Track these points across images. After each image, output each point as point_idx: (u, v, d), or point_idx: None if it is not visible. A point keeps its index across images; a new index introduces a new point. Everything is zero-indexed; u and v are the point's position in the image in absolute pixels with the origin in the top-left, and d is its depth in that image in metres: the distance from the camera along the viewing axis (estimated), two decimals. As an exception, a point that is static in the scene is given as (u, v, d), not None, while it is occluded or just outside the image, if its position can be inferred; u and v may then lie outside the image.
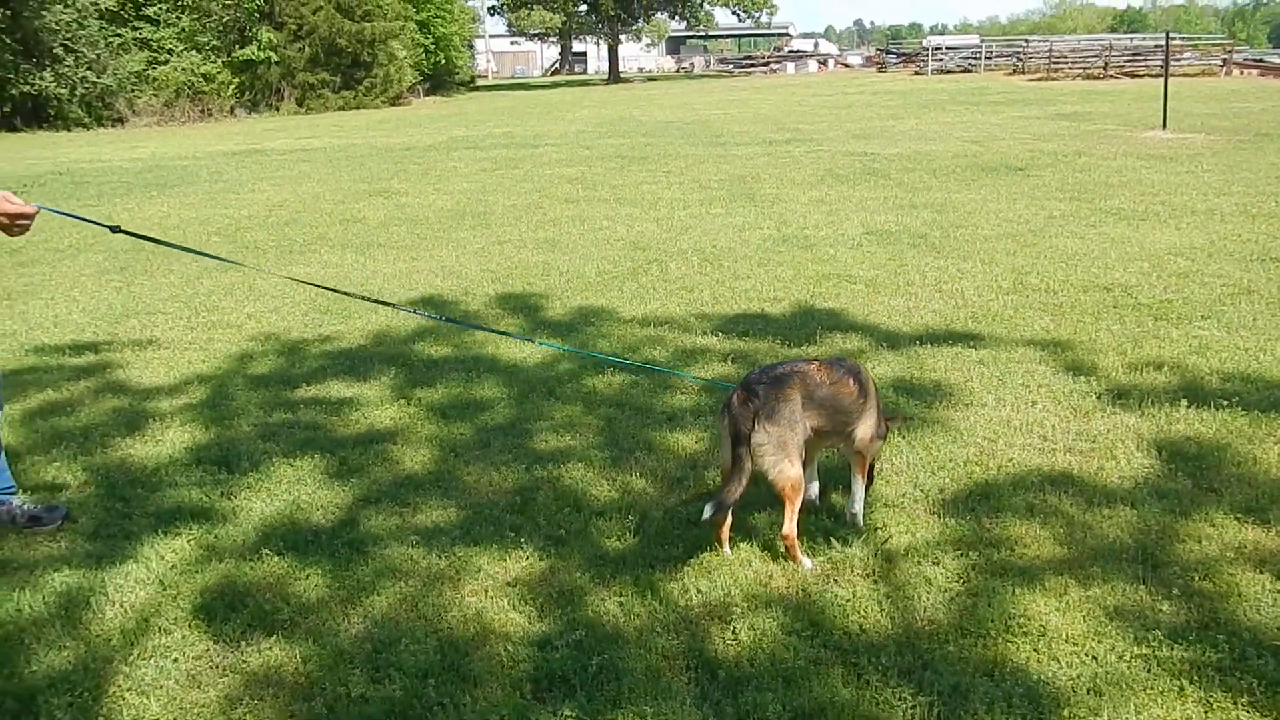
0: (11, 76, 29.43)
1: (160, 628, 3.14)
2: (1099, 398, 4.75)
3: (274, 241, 10.09)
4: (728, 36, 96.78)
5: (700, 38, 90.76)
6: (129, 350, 6.29)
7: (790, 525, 3.26)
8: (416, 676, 2.83)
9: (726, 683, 2.76)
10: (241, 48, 37.22)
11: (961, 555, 3.34)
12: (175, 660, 2.97)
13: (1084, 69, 40.23)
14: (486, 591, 3.25)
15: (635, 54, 79.36)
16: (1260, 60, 43.38)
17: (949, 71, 46.67)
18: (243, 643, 3.04)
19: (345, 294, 6.39)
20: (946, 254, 8.08)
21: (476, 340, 6.10)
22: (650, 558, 3.40)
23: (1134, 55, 41.25)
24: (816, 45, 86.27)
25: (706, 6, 66.07)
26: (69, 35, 30.94)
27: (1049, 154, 14.61)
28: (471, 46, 64.34)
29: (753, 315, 6.49)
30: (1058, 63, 41.75)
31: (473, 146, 19.97)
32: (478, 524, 3.71)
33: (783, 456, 3.19)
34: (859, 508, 3.57)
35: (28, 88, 29.86)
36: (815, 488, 3.75)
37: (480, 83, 64.73)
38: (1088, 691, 2.67)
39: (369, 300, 6.01)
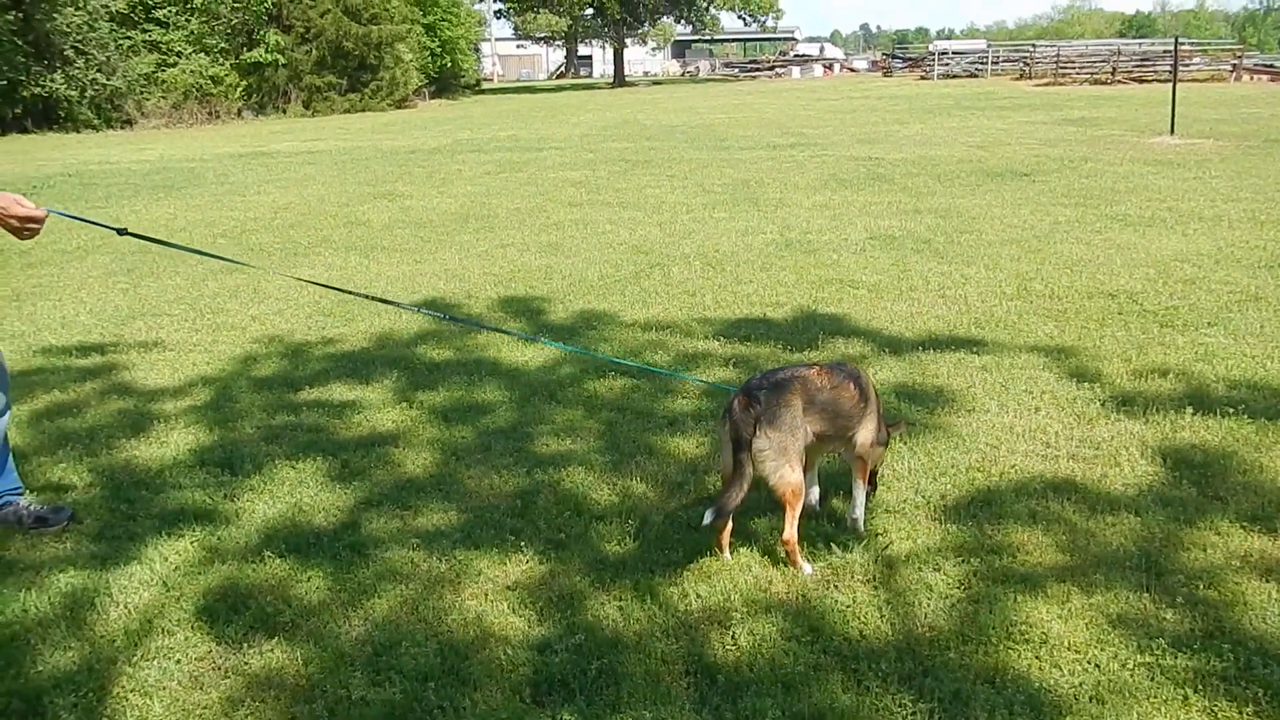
0: (23, 79, 29.56)
1: (163, 629, 3.14)
2: (1103, 404, 4.74)
3: (279, 244, 10.12)
4: (733, 40, 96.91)
5: (706, 42, 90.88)
6: (135, 352, 6.31)
7: (791, 530, 3.26)
8: (417, 679, 2.84)
9: (726, 688, 2.75)
10: (249, 50, 37.33)
11: (963, 562, 3.34)
12: (178, 661, 2.98)
13: (1091, 74, 40.19)
14: (487, 595, 3.26)
15: (641, 58, 79.52)
16: (1270, 66, 43.31)
17: (955, 76, 46.66)
18: (245, 644, 3.04)
19: (352, 294, 6.40)
20: (950, 259, 8.07)
21: (478, 343, 6.11)
22: (650, 562, 3.40)
23: (1142, 60, 41.21)
24: (822, 49, 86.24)
25: (712, 10, 66.17)
26: (80, 38, 31.07)
27: (1055, 159, 14.59)
28: (477, 50, 64.42)
29: (755, 320, 6.48)
30: (1065, 68, 41.72)
31: (477, 149, 20.00)
32: (478, 527, 3.71)
33: (784, 462, 3.19)
34: (860, 513, 3.57)
35: (39, 90, 29.98)
36: (816, 493, 3.74)
37: (486, 86, 64.82)
38: (1090, 700, 2.66)
39: (375, 300, 6.02)
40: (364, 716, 2.70)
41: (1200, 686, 2.68)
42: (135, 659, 2.99)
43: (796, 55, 76.70)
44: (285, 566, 3.48)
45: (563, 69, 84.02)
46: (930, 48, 56.16)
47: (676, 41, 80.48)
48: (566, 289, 7.60)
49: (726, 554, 3.40)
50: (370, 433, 4.76)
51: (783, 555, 3.34)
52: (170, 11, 36.08)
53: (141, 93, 33.92)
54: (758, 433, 3.18)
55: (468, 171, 16.05)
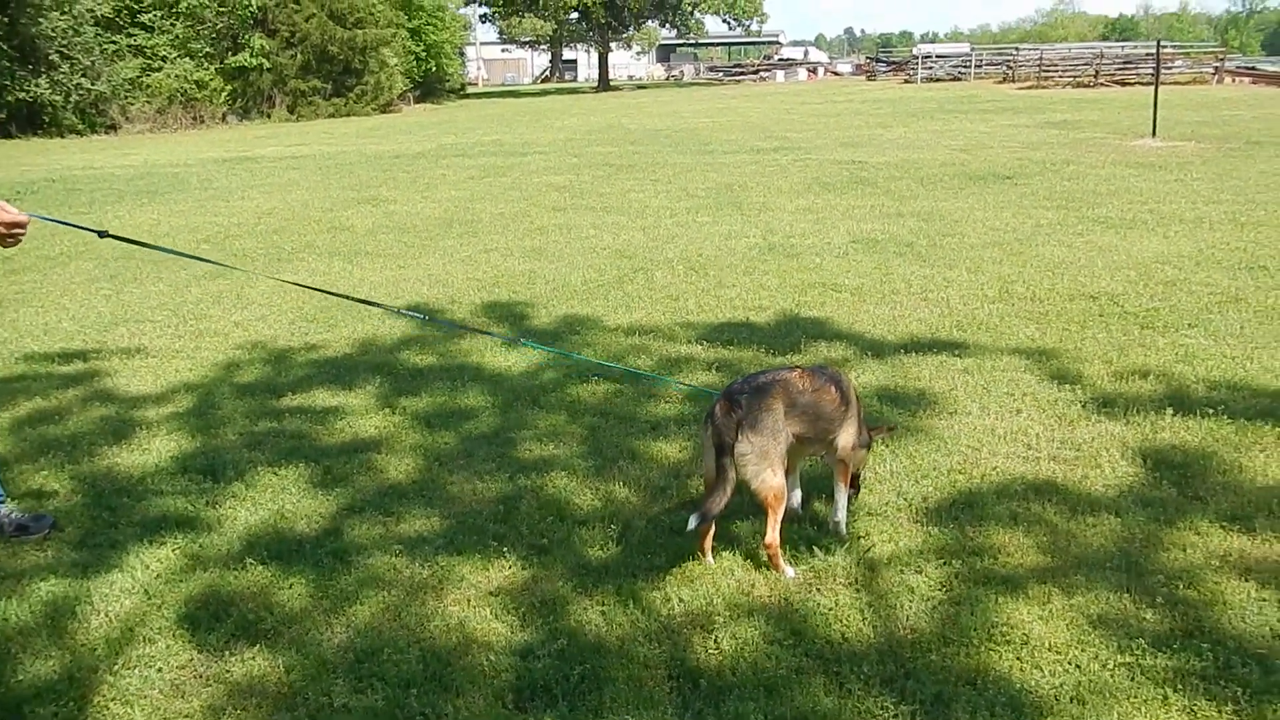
0: (7, 83, 29.35)
1: (145, 637, 3.13)
2: (1084, 406, 4.77)
3: (262, 249, 10.08)
4: (718, 44, 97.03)
5: (690, 46, 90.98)
6: (117, 358, 6.27)
7: (773, 534, 3.27)
8: (399, 686, 2.83)
9: (708, 692, 2.76)
10: (234, 54, 37.17)
11: (944, 564, 3.35)
12: (159, 670, 2.96)
13: (1074, 77, 40.43)
14: (469, 601, 3.25)
15: (625, 62, 79.59)
16: (1253, 68, 43.71)
17: (939, 80, 46.85)
18: (226, 652, 3.03)
19: (335, 295, 6.38)
20: (933, 262, 8.11)
21: (461, 349, 6.10)
22: (633, 567, 3.40)
23: (1125, 63, 41.46)
24: (806, 53, 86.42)
25: (697, 15, 66.25)
26: (64, 42, 30.85)
27: (1037, 162, 14.67)
28: (462, 54, 64.38)
29: (738, 324, 6.50)
30: (1048, 71, 41.95)
31: (461, 154, 19.98)
32: (461, 533, 3.71)
33: (765, 466, 3.20)
34: (842, 516, 3.58)
35: (23, 94, 29.76)
36: (798, 496, 3.75)
37: (471, 90, 64.74)
38: (1071, 700, 2.67)
39: (360, 301, 6.01)
40: (346, 724, 2.70)
41: (1180, 686, 2.70)
42: (116, 667, 2.98)
43: (781, 59, 76.86)
44: (267, 573, 3.47)
45: (547, 73, 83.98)
46: (914, 51, 56.39)
47: (661, 46, 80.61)
48: (550, 294, 7.60)
49: (709, 558, 3.41)
50: (353, 439, 4.75)
51: (765, 559, 3.35)
52: (155, 16, 35.88)
53: (126, 97, 33.71)
54: (740, 437, 3.19)
55: (452, 176, 16.03)
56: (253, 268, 9.03)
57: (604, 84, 63.53)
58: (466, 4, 61.37)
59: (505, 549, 3.56)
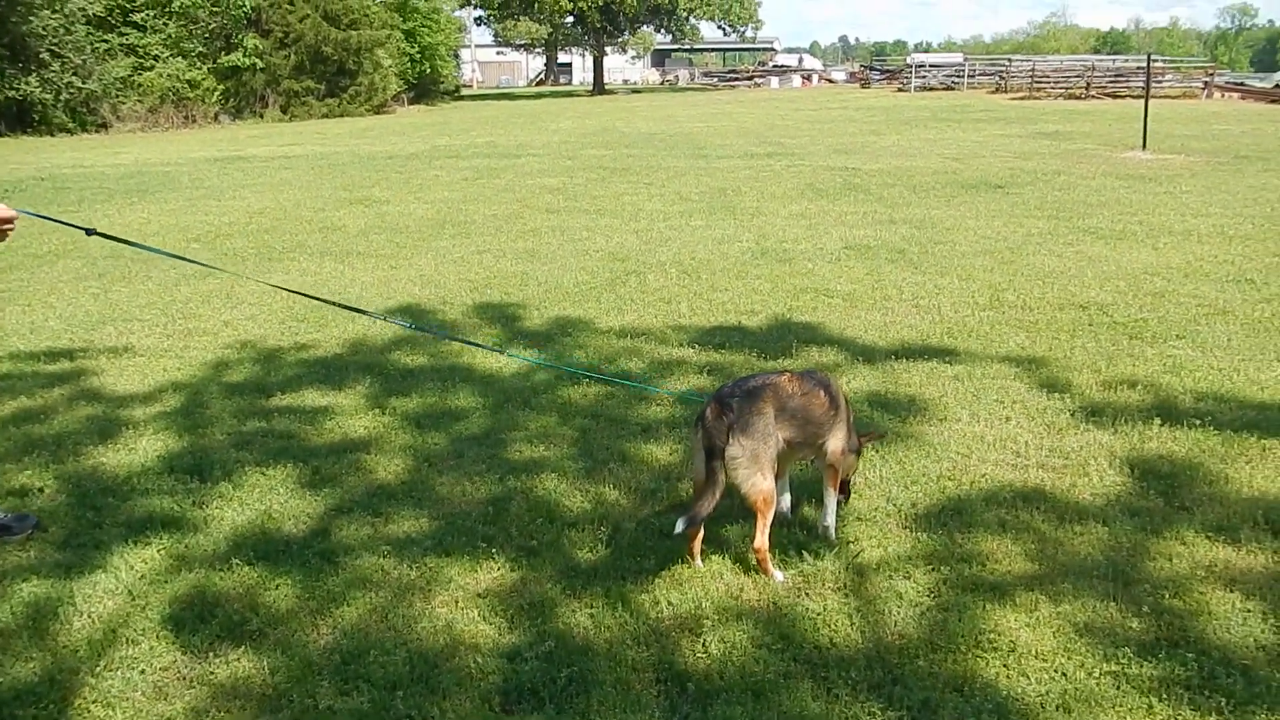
0: (-3, 81, 29.25)
1: (128, 639, 3.11)
2: (1072, 415, 4.78)
3: (253, 249, 10.05)
4: (713, 50, 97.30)
5: (685, 51, 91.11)
6: (104, 357, 6.24)
7: (762, 538, 3.27)
8: (385, 688, 2.82)
9: (696, 695, 2.75)
10: (227, 54, 37.05)
11: (933, 570, 3.35)
12: (142, 672, 2.94)
13: (1066, 89, 40.62)
14: (457, 602, 3.24)
15: (620, 66, 79.57)
16: (1241, 84, 43.99)
17: (932, 89, 47.02)
18: (211, 654, 3.01)
19: (320, 300, 6.36)
20: (924, 269, 8.13)
21: (453, 350, 6.09)
22: (622, 569, 3.40)
23: (1116, 76, 41.67)
24: (801, 60, 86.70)
25: (692, 20, 66.40)
26: (56, 40, 30.72)
27: (1029, 172, 14.73)
28: (457, 56, 64.31)
29: (730, 328, 6.50)
30: (1040, 82, 42.14)
31: (455, 155, 19.96)
32: (450, 534, 3.70)
33: (755, 470, 3.20)
34: (831, 521, 3.58)
35: (12, 93, 29.60)
36: (787, 500, 3.75)
37: (465, 92, 64.69)
38: (1057, 708, 2.68)
39: (344, 307, 5.98)
40: (331, 725, 2.68)
41: (1164, 695, 2.71)
42: (98, 669, 2.96)
43: (775, 65, 77.11)
44: (254, 574, 3.45)
45: (542, 76, 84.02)
46: (908, 60, 56.61)
47: (656, 50, 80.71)
48: (542, 296, 7.59)
49: (698, 561, 3.40)
50: (342, 439, 4.73)
51: (754, 563, 3.35)
52: (148, 15, 35.76)
53: (117, 96, 33.58)
54: (730, 440, 3.19)
55: (445, 177, 16.01)
56: (243, 268, 8.99)
57: (599, 88, 63.57)
58: (461, 6, 61.34)
59: (494, 551, 3.55)
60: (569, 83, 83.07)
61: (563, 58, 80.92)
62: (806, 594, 3.24)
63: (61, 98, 31.00)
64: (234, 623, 3.16)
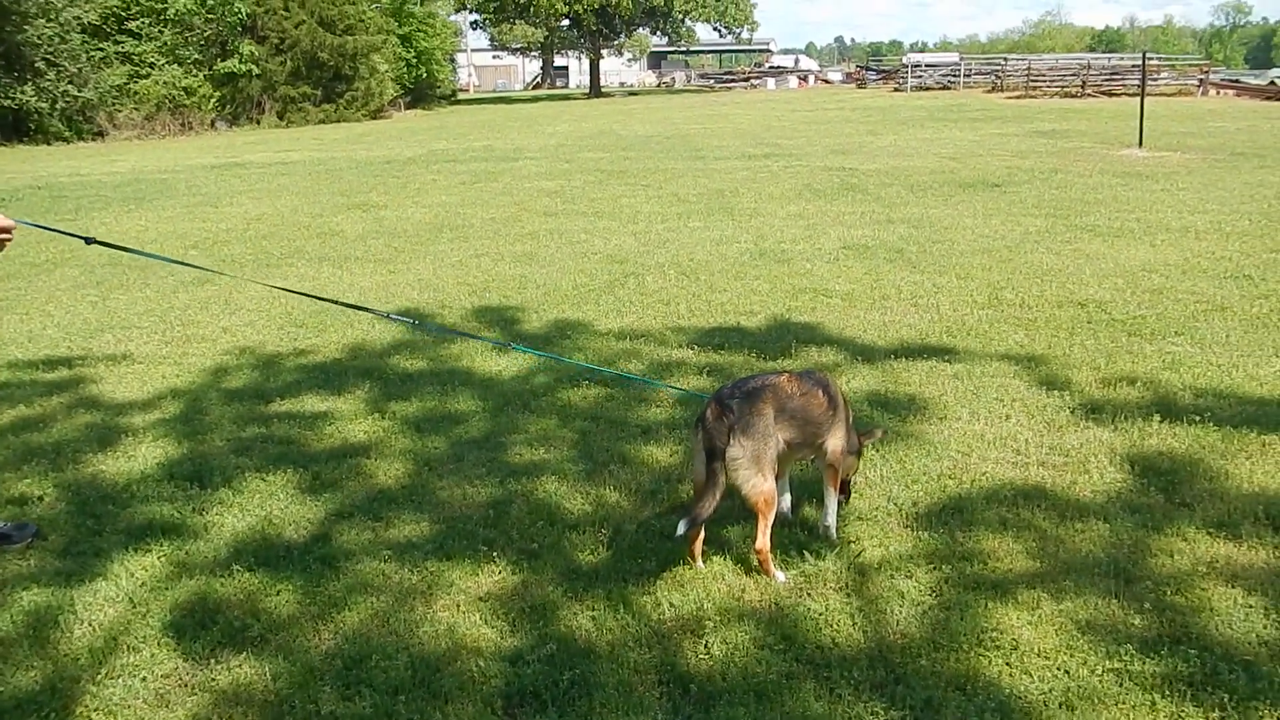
0: (-8, 90, 29.24)
1: (129, 646, 3.10)
2: (1072, 412, 4.78)
3: (251, 255, 10.05)
4: (709, 52, 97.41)
5: (681, 53, 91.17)
6: (103, 365, 6.24)
7: (763, 539, 3.27)
8: (387, 693, 2.81)
9: (698, 697, 2.75)
10: (223, 61, 37.05)
11: (934, 569, 3.35)
12: (143, 679, 2.94)
13: (1062, 87, 40.66)
14: (459, 606, 3.24)
15: (617, 68, 79.67)
16: (1236, 81, 44.03)
17: (928, 88, 47.05)
18: (212, 660, 3.01)
19: (324, 300, 6.37)
20: (923, 269, 8.13)
21: (452, 353, 6.08)
22: (623, 571, 3.39)
23: (1111, 75, 41.70)
24: (797, 61, 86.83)
25: (688, 22, 66.40)
26: (51, 50, 30.71)
27: (1026, 170, 14.74)
28: (453, 60, 64.35)
29: (729, 329, 6.50)
30: (1035, 81, 42.18)
31: (452, 160, 19.96)
32: (451, 538, 3.69)
33: (756, 471, 3.20)
34: (832, 521, 3.58)
35: (8, 101, 29.60)
36: (788, 501, 3.75)
37: (462, 96, 64.72)
38: (1059, 706, 2.68)
39: (349, 306, 5.99)
40: (333, 731, 2.68)
41: (1167, 692, 2.70)
42: (99, 677, 2.95)
43: (771, 67, 77.18)
44: (255, 580, 3.45)
45: (539, 79, 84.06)
46: (904, 60, 56.63)
47: (652, 53, 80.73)
48: (541, 298, 7.59)
49: (699, 563, 3.40)
50: (342, 444, 4.73)
51: (755, 563, 3.35)
52: (144, 23, 35.76)
53: (113, 104, 33.58)
54: (731, 441, 3.19)
55: (443, 182, 16.01)
56: (241, 273, 8.99)
57: (595, 90, 63.62)
58: (457, 11, 61.35)
59: (495, 554, 3.55)
60: (565, 86, 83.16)
61: (559, 61, 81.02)
62: (808, 594, 3.23)
63: (57, 106, 31.00)
64: (235, 629, 3.15)
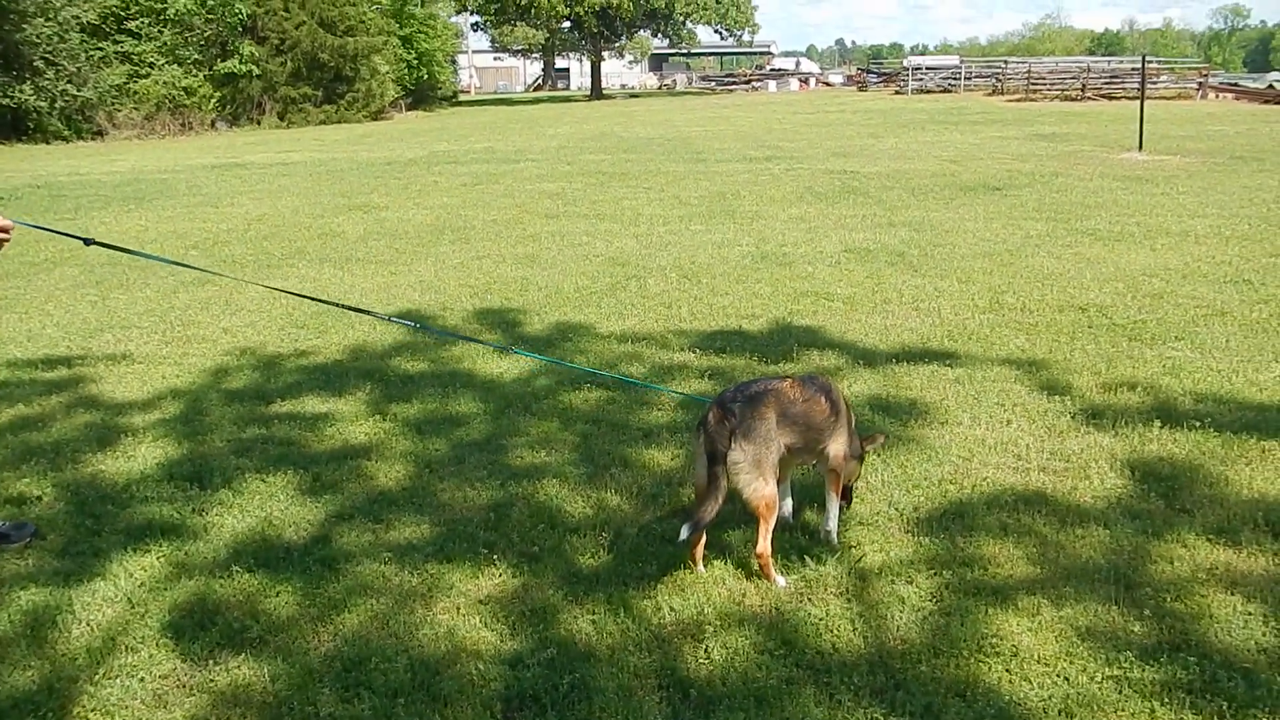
0: (-9, 89, 29.25)
1: (127, 646, 3.10)
2: (1073, 417, 4.78)
3: (252, 255, 10.05)
4: (710, 54, 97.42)
5: (683, 55, 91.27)
6: (102, 365, 6.23)
7: (764, 543, 3.26)
8: (386, 696, 2.81)
9: (698, 702, 2.75)
10: (223, 61, 37.08)
11: (935, 574, 3.35)
12: (142, 680, 2.93)
13: (1062, 90, 40.69)
14: (459, 609, 3.23)
15: (618, 71, 79.70)
16: (1235, 84, 44.13)
17: (929, 91, 47.08)
18: (211, 661, 3.00)
19: (325, 302, 6.37)
20: (924, 272, 8.13)
21: (453, 355, 6.08)
22: (624, 575, 3.39)
23: (1111, 78, 41.74)
24: (798, 64, 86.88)
25: (689, 25, 66.49)
26: (50, 49, 30.73)
27: (1026, 174, 14.75)
28: (454, 62, 64.39)
29: (730, 332, 6.50)
30: (1036, 84, 42.22)
31: (454, 161, 19.97)
32: (451, 540, 3.69)
33: (757, 475, 3.20)
34: (833, 525, 3.58)
35: (7, 101, 29.62)
36: (789, 505, 3.75)
37: (463, 98, 64.76)
38: (1059, 713, 2.67)
39: (350, 309, 5.99)
40: (332, 734, 2.67)
41: (1166, 699, 2.70)
42: (97, 677, 2.95)
43: (773, 69, 77.21)
44: (254, 581, 3.44)
45: (540, 81, 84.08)
46: (905, 63, 56.61)
47: (653, 55, 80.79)
48: (543, 301, 7.59)
49: (700, 567, 3.40)
50: (343, 445, 4.72)
51: (756, 568, 3.34)
52: (143, 23, 35.77)
53: (113, 104, 33.59)
54: (733, 445, 3.18)
55: (444, 183, 16.01)
56: (242, 274, 8.99)
57: (597, 92, 63.67)
58: (458, 12, 61.39)
59: (496, 557, 3.54)
60: (566, 88, 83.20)
61: (560, 63, 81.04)
62: (809, 599, 3.23)
63: (56, 105, 31.02)
64: (234, 630, 3.15)
